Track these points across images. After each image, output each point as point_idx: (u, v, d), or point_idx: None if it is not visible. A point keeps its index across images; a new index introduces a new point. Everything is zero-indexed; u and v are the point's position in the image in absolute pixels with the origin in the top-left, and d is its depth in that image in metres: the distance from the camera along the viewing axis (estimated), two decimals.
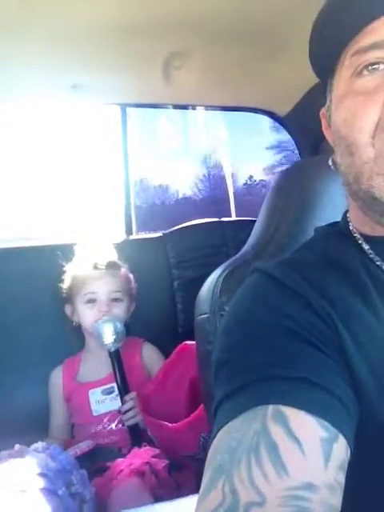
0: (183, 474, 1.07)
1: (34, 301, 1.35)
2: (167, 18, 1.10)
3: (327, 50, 0.53)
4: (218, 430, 0.42)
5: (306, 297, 0.47)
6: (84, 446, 1.06)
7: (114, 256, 1.35)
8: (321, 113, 0.60)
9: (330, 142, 0.58)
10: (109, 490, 0.96)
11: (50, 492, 0.77)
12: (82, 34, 1.15)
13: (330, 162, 0.58)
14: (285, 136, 1.67)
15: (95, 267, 1.29)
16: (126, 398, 1.18)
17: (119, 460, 1.06)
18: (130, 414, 1.17)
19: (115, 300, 1.28)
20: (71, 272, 1.31)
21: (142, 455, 1.05)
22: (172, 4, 1.04)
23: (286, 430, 0.38)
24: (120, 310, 1.28)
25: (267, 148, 3.95)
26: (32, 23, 1.08)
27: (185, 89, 1.50)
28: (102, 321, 1.21)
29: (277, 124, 1.66)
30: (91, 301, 1.28)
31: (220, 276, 0.81)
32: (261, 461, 0.37)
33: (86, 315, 1.28)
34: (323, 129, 0.60)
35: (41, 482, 0.78)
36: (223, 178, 3.95)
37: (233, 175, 4.03)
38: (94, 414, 1.24)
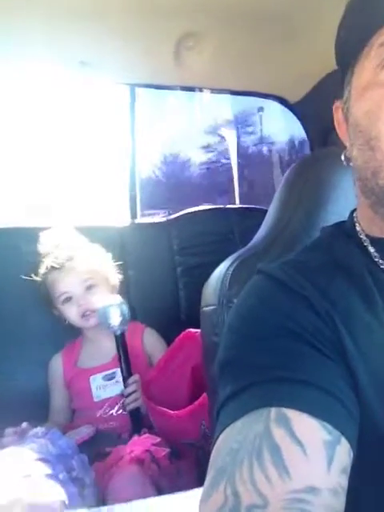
0: (183, 461, 1.07)
1: (36, 284, 1.32)
2: None
3: (354, 36, 0.50)
4: (221, 432, 0.42)
5: (309, 299, 0.47)
6: (84, 433, 1.06)
7: (70, 240, 1.32)
8: (334, 106, 0.58)
9: (342, 137, 0.56)
10: (109, 477, 0.96)
11: (51, 477, 0.77)
12: (94, 10, 1.12)
13: (343, 157, 0.56)
14: None
15: (54, 268, 1.26)
16: (130, 381, 1.17)
17: (120, 447, 1.06)
18: (132, 396, 1.16)
19: (90, 287, 1.26)
20: (39, 278, 1.29)
21: (142, 443, 1.05)
22: None
23: (289, 433, 0.38)
24: (100, 293, 1.26)
25: None
26: None
27: (195, 71, 1.47)
28: (108, 304, 1.19)
29: None
30: (67, 299, 1.26)
31: (229, 267, 0.80)
32: (263, 463, 0.37)
33: (70, 314, 1.27)
34: (335, 123, 0.58)
35: (43, 468, 0.78)
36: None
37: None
38: (95, 399, 1.24)
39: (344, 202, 0.79)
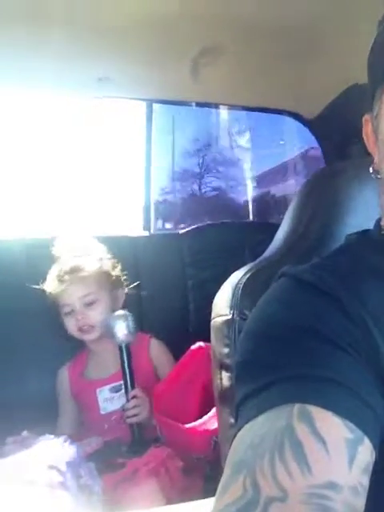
0: (192, 476, 1.06)
1: (36, 298, 1.32)
2: (198, 13, 1.09)
3: None
4: (241, 427, 0.41)
5: (340, 300, 0.46)
6: (93, 444, 1.05)
7: (83, 247, 1.32)
8: (363, 119, 0.58)
9: (371, 150, 0.57)
10: (124, 489, 0.95)
11: (59, 484, 0.76)
12: (112, 27, 1.15)
13: (371, 170, 0.57)
14: None
15: (59, 279, 1.26)
16: (131, 394, 1.16)
17: (134, 459, 1.05)
18: (132, 411, 1.14)
19: (90, 303, 1.26)
20: (47, 286, 1.29)
21: (158, 455, 1.04)
22: (203, 0, 1.03)
23: (312, 429, 0.38)
24: (97, 311, 1.25)
25: None
26: (63, 13, 1.07)
27: (212, 87, 1.49)
28: (115, 315, 1.20)
29: None
30: (68, 312, 1.27)
31: (241, 278, 0.79)
32: (285, 457, 0.37)
33: (69, 327, 1.28)
34: (364, 136, 0.58)
35: (50, 475, 0.77)
36: None
37: None
38: (102, 412, 1.23)
39: (363, 214, 0.79)
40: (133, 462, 1.03)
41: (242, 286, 0.78)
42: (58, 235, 1.35)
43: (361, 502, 0.37)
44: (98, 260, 1.31)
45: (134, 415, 1.14)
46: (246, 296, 0.77)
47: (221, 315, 0.80)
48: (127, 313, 1.22)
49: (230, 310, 0.78)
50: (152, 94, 1.51)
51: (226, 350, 0.77)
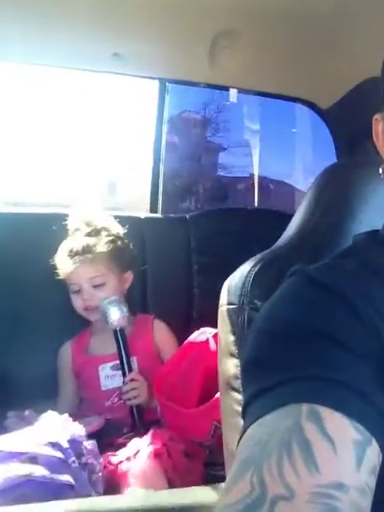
0: (192, 460, 1.07)
1: (50, 270, 1.32)
2: None
3: None
4: (249, 425, 0.42)
5: (351, 302, 0.46)
6: (94, 423, 1.07)
7: (97, 224, 1.32)
8: (374, 119, 0.58)
9: (381, 150, 0.57)
10: (125, 468, 0.96)
11: (61, 461, 0.77)
12: (131, 2, 1.12)
13: (381, 171, 0.57)
14: None
15: (70, 257, 1.26)
16: (127, 379, 1.18)
17: (136, 439, 1.06)
18: (130, 394, 1.16)
19: (98, 285, 1.26)
20: (57, 259, 1.30)
21: (160, 437, 1.05)
22: None
23: (320, 429, 0.38)
24: (104, 293, 1.26)
25: None
26: None
27: (228, 70, 1.47)
28: (107, 301, 1.21)
29: None
30: (76, 291, 1.28)
31: (252, 268, 0.79)
32: (292, 456, 0.37)
33: (75, 304, 1.29)
34: (374, 136, 0.58)
35: (52, 451, 0.78)
36: None
37: None
38: (103, 388, 1.24)
39: (377, 212, 0.79)
40: (135, 442, 1.04)
41: (253, 275, 0.78)
42: (72, 208, 1.34)
43: (367, 502, 0.37)
44: (111, 241, 1.30)
45: (132, 397, 1.16)
46: (256, 286, 0.77)
47: (230, 303, 0.80)
48: (119, 298, 1.24)
49: (240, 298, 0.78)
50: (166, 73, 1.49)
51: (233, 338, 0.77)
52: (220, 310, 0.83)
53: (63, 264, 1.27)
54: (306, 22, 1.21)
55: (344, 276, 0.49)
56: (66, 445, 0.81)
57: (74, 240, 1.28)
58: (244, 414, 0.44)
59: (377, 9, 1.09)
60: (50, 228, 1.30)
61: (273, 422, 0.40)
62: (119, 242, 1.32)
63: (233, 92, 1.63)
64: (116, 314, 1.19)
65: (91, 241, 1.28)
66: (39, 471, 0.73)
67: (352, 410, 0.39)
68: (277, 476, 0.36)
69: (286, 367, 0.43)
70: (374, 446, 0.39)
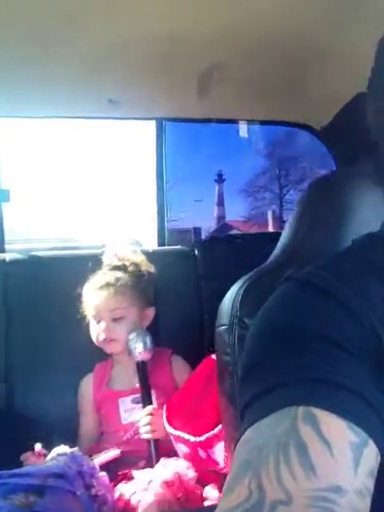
0: (208, 487, 1.06)
1: (72, 307, 1.36)
2: (205, 31, 1.11)
3: None
4: (246, 429, 0.42)
5: (346, 303, 0.46)
6: (110, 455, 1.07)
7: (126, 259, 1.36)
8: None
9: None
10: (137, 499, 0.96)
11: (68, 492, 0.78)
12: (120, 48, 1.17)
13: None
14: None
15: (96, 286, 1.31)
16: (143, 412, 1.19)
17: (147, 469, 1.07)
18: (145, 428, 1.17)
19: (117, 319, 1.29)
20: (83, 291, 1.34)
21: (172, 465, 1.05)
22: (211, 17, 1.05)
23: (316, 432, 0.38)
24: (123, 326, 1.28)
25: None
26: (72, 38, 1.11)
27: (222, 103, 1.51)
28: (134, 334, 1.25)
29: None
30: (97, 320, 1.31)
31: (240, 288, 0.81)
32: (289, 460, 0.37)
33: (93, 333, 1.31)
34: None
35: (58, 483, 0.79)
36: None
37: None
38: (123, 422, 1.26)
39: (363, 222, 0.79)
40: (147, 473, 1.04)
41: (241, 295, 0.80)
42: (106, 245, 1.40)
43: (365, 505, 0.37)
44: (136, 275, 1.34)
45: (149, 432, 1.16)
46: (244, 305, 0.79)
47: (222, 325, 0.82)
48: (145, 331, 1.27)
49: (230, 318, 0.80)
50: (161, 113, 1.55)
51: (228, 358, 0.79)
52: (216, 332, 0.84)
53: (88, 296, 1.32)
54: (288, 48, 1.25)
55: (338, 276, 0.49)
56: (73, 476, 0.82)
57: (104, 273, 1.33)
58: (242, 418, 0.44)
59: (360, 24, 1.11)
60: (63, 269, 1.36)
61: (269, 426, 0.40)
62: (145, 279, 1.36)
63: (242, 127, 1.68)
64: (140, 348, 1.22)
65: (117, 274, 1.32)
66: (44, 503, 0.74)
67: (348, 412, 0.39)
68: (274, 480, 0.36)
69: (282, 370, 0.43)
70: (372, 448, 0.39)
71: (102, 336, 1.28)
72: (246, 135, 1.72)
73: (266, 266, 0.85)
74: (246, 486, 0.37)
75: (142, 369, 1.22)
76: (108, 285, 1.30)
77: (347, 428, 0.38)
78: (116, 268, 1.34)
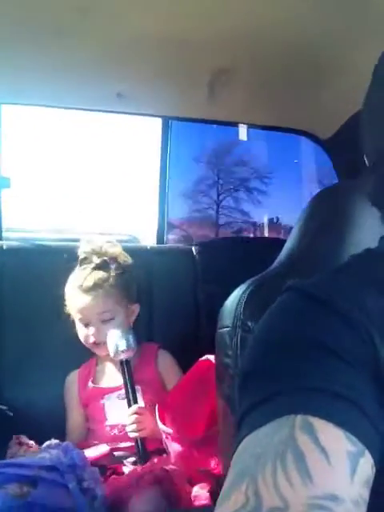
0: (199, 486, 1.05)
1: (60, 300, 1.35)
2: (216, 33, 1.11)
3: None
4: (244, 437, 0.42)
5: (345, 314, 0.46)
6: (99, 451, 1.07)
7: (106, 250, 1.33)
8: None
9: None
10: (128, 495, 0.96)
11: (60, 485, 0.78)
12: (132, 44, 1.17)
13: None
14: None
15: (81, 290, 1.28)
16: (129, 411, 1.17)
17: (139, 467, 1.06)
18: (132, 427, 1.16)
19: (106, 321, 1.27)
20: (67, 287, 1.31)
21: (162, 463, 1.05)
22: (221, 20, 1.05)
23: (313, 440, 0.38)
24: (112, 326, 1.26)
25: None
26: (85, 30, 1.11)
27: (229, 106, 1.52)
28: (115, 332, 1.22)
29: None
30: (84, 324, 1.29)
31: (245, 291, 0.81)
32: (286, 467, 0.37)
33: (82, 336, 1.29)
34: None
35: (51, 475, 0.79)
36: None
37: None
38: (109, 419, 1.25)
39: (364, 235, 0.80)
40: (137, 470, 1.04)
41: (245, 298, 0.80)
42: (82, 238, 1.37)
43: None
44: (120, 274, 1.31)
45: (136, 430, 1.15)
46: (248, 308, 0.79)
47: (224, 326, 0.82)
48: (127, 329, 1.25)
49: (233, 321, 0.80)
50: (168, 112, 1.55)
51: (228, 361, 0.79)
52: (216, 333, 0.85)
53: (73, 298, 1.29)
54: (300, 55, 1.25)
55: (338, 288, 0.49)
56: (65, 469, 0.82)
57: (84, 273, 1.29)
58: (240, 425, 0.44)
59: (366, 39, 1.13)
60: (60, 259, 1.34)
61: (267, 434, 0.40)
62: (127, 275, 1.33)
63: (242, 130, 1.68)
64: (123, 346, 1.20)
65: (101, 274, 1.28)
66: (38, 494, 0.74)
67: (345, 421, 0.39)
68: (271, 487, 0.36)
69: (280, 378, 0.43)
70: (368, 458, 0.39)
71: (92, 339, 1.27)
72: (246, 138, 1.73)
73: (271, 271, 0.85)
74: (242, 493, 0.37)
75: (126, 367, 1.20)
76: (95, 287, 1.27)
77: (344, 437, 0.38)
78: (98, 267, 1.30)
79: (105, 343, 1.24)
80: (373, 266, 0.54)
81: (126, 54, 1.21)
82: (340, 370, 0.43)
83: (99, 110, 1.54)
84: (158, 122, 1.63)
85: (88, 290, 1.27)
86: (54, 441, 0.97)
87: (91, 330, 1.27)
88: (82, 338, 1.30)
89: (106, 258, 1.32)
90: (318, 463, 0.37)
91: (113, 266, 1.31)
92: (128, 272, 1.34)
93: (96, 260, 1.31)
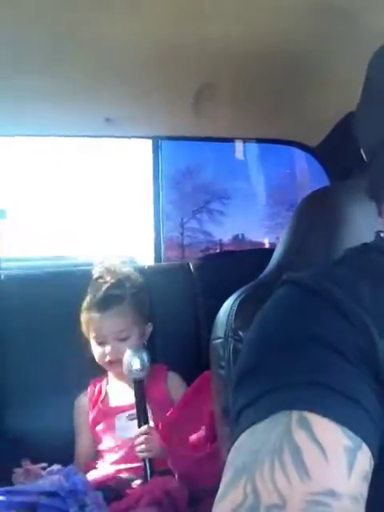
0: (202, 507, 1.04)
1: (68, 325, 1.34)
2: (198, 49, 1.12)
3: None
4: (241, 433, 0.42)
5: (340, 306, 0.46)
6: (104, 473, 1.06)
7: (119, 270, 1.34)
8: None
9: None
10: None
11: (60, 511, 0.77)
12: (115, 68, 1.19)
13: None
14: None
15: (98, 308, 1.28)
16: (139, 431, 1.17)
17: (138, 487, 1.05)
18: (140, 447, 1.15)
19: (124, 339, 1.28)
20: (83, 306, 1.32)
21: (162, 484, 1.04)
22: (204, 35, 1.07)
23: (310, 436, 0.38)
24: (128, 345, 1.27)
25: None
26: (67, 59, 1.13)
27: (216, 121, 1.53)
28: (131, 351, 1.22)
29: None
30: (100, 343, 1.29)
31: (235, 301, 0.81)
32: (284, 464, 0.37)
33: (97, 354, 1.29)
34: None
35: (51, 501, 0.78)
36: None
37: None
38: (118, 439, 1.24)
39: (355, 237, 0.80)
40: (137, 490, 1.03)
41: (235, 308, 0.80)
42: (97, 259, 1.38)
43: (359, 509, 0.37)
44: (136, 293, 1.32)
45: (144, 451, 1.14)
46: (239, 318, 0.79)
47: (217, 338, 0.81)
48: (142, 348, 1.25)
49: (225, 331, 0.79)
50: (157, 132, 1.57)
51: (222, 372, 0.78)
52: (210, 346, 0.84)
53: (89, 316, 1.29)
54: (284, 66, 1.26)
55: (332, 280, 0.49)
56: (66, 494, 0.81)
57: (100, 291, 1.30)
58: (236, 422, 0.44)
59: (347, 47, 1.14)
60: (59, 284, 1.35)
61: (264, 430, 0.40)
62: (142, 294, 1.35)
63: (239, 147, 1.70)
64: (137, 365, 1.20)
65: (118, 292, 1.30)
66: None
67: (341, 416, 0.39)
68: (269, 484, 0.36)
69: (276, 374, 0.43)
70: (365, 452, 0.39)
71: (108, 358, 1.27)
72: (242, 157, 1.74)
73: (260, 279, 0.85)
74: (240, 491, 0.37)
75: (139, 386, 1.20)
76: (112, 305, 1.28)
77: (341, 432, 0.38)
78: (114, 286, 1.31)
79: (120, 361, 1.24)
80: (368, 259, 0.54)
81: (112, 77, 1.23)
82: (337, 364, 0.43)
83: (88, 136, 1.56)
84: (145, 142, 1.65)
85: (105, 309, 1.28)
86: (55, 466, 0.96)
87: (108, 348, 1.27)
88: (97, 356, 1.29)
89: (120, 276, 1.33)
90: (316, 459, 0.37)
91: (128, 285, 1.32)
92: (142, 291, 1.35)
93: (111, 279, 1.32)
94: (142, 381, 1.20)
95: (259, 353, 0.47)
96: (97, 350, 1.29)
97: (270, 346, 0.46)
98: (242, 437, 0.41)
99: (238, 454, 0.40)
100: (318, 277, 0.50)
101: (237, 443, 0.41)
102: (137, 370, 1.20)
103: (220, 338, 0.80)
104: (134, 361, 1.20)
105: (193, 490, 1.04)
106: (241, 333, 0.78)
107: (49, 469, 0.96)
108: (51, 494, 0.80)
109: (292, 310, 0.49)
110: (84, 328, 1.31)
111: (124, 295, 1.30)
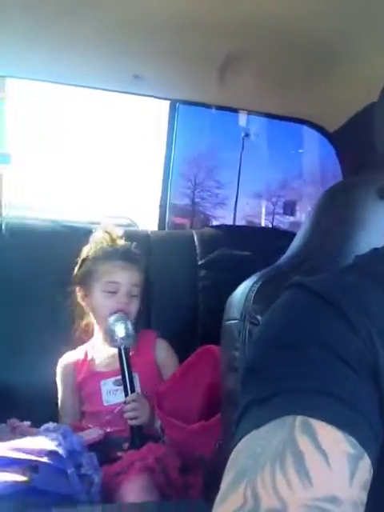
0: (192, 476, 1.06)
1: (57, 280, 1.33)
2: (229, 17, 1.09)
3: None
4: (243, 436, 0.42)
5: (347, 314, 0.46)
6: (95, 434, 1.07)
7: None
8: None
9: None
10: (118, 482, 0.96)
11: (59, 470, 0.78)
12: (144, 25, 1.15)
13: None
14: None
15: (124, 257, 1.26)
16: (128, 398, 1.17)
17: (130, 452, 1.06)
18: (130, 414, 1.15)
19: (133, 297, 1.26)
20: (93, 255, 1.28)
21: (154, 451, 1.05)
22: (235, 4, 1.04)
23: (313, 442, 0.38)
24: (135, 306, 1.26)
25: None
26: (99, 8, 1.08)
27: (238, 92, 1.50)
28: (114, 318, 1.20)
29: None
30: (112, 292, 1.25)
31: (255, 284, 0.80)
32: (285, 468, 0.37)
33: (104, 306, 1.25)
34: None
35: (51, 461, 0.79)
36: None
37: None
38: (105, 403, 1.24)
39: (374, 233, 0.80)
40: (129, 455, 1.04)
41: (254, 291, 0.80)
42: (98, 222, 1.36)
43: None
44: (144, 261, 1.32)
45: (133, 418, 1.15)
46: (257, 302, 0.79)
47: (232, 319, 0.81)
48: (126, 317, 1.22)
49: (242, 313, 0.79)
50: (178, 95, 1.53)
51: (236, 354, 0.78)
52: (223, 325, 0.84)
53: (109, 264, 1.25)
54: (313, 44, 1.24)
55: (340, 287, 0.49)
56: (65, 455, 0.82)
57: (120, 245, 1.29)
58: (238, 424, 0.44)
59: (380, 34, 1.11)
60: (57, 241, 1.32)
61: (266, 434, 0.40)
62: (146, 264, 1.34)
63: (242, 117, 1.67)
64: (122, 333, 1.18)
65: (137, 251, 1.30)
66: (39, 479, 0.74)
67: (345, 423, 0.39)
68: (270, 488, 0.36)
69: (281, 378, 0.43)
70: (366, 461, 0.39)
71: (117, 307, 1.23)
72: (245, 125, 1.72)
73: (281, 266, 0.84)
74: (241, 494, 0.37)
75: (124, 355, 1.18)
76: (133, 259, 1.27)
77: (344, 440, 0.39)
78: (132, 246, 1.31)
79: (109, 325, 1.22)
80: (378, 267, 0.53)
81: (139, 35, 1.19)
82: (341, 371, 0.43)
83: (112, 90, 1.51)
84: (159, 105, 1.61)
85: (129, 260, 1.26)
86: (51, 424, 0.97)
87: (120, 297, 1.24)
88: (106, 309, 1.24)
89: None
90: (318, 464, 0.37)
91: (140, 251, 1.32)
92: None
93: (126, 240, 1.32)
94: (126, 349, 1.19)
95: (265, 354, 0.47)
96: (105, 299, 1.25)
97: (276, 346, 0.47)
98: (244, 440, 0.41)
99: (239, 457, 0.41)
100: (327, 283, 0.51)
101: (239, 445, 0.42)
102: (121, 338, 1.18)
103: (236, 319, 0.80)
104: (118, 328, 1.19)
105: (183, 458, 1.06)
106: (258, 316, 0.78)
107: (45, 426, 0.96)
108: (51, 454, 0.81)
109: (298, 313, 0.49)
110: (89, 276, 1.27)
111: (141, 257, 1.30)
